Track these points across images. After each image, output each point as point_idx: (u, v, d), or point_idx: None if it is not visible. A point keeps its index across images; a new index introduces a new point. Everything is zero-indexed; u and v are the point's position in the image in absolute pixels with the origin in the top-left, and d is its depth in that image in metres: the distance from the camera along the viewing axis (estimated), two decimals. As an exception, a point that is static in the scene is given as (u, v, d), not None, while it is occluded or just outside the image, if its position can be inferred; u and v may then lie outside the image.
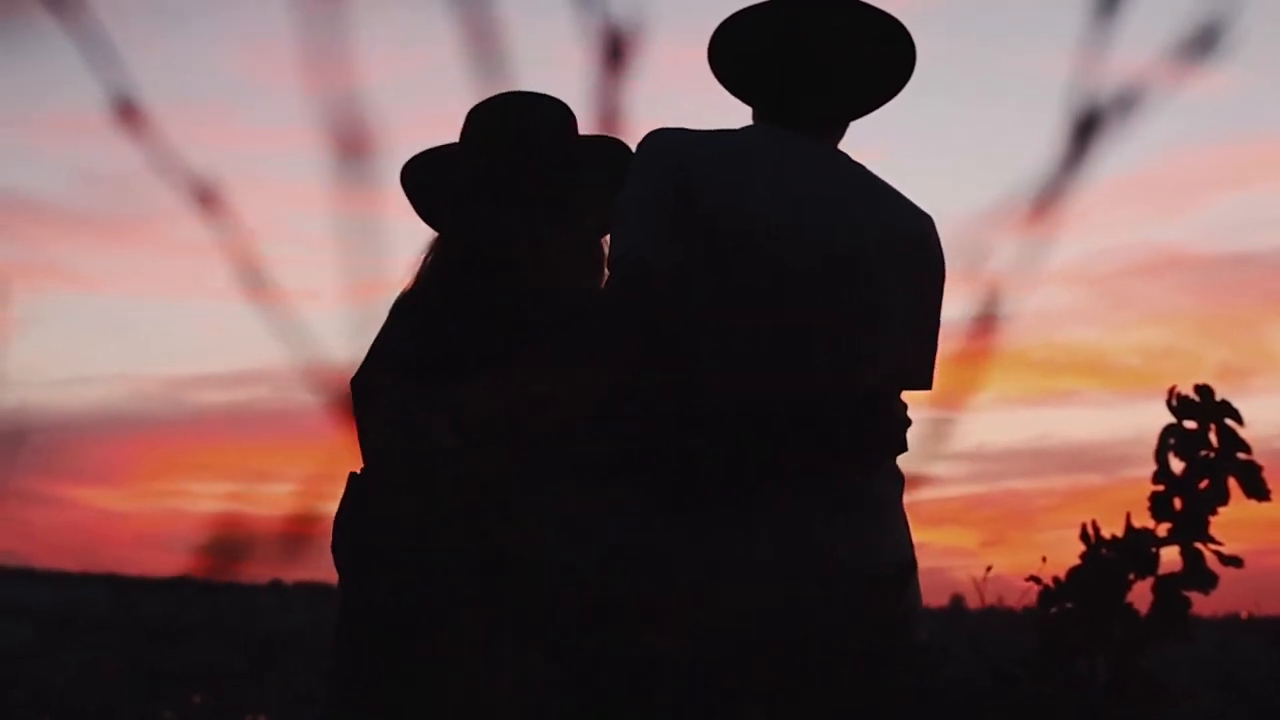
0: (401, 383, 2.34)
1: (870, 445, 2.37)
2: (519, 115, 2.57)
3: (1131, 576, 1.45)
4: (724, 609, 2.08)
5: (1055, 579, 1.48)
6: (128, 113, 0.88)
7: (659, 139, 2.37)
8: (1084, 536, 1.45)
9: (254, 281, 0.95)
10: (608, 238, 2.57)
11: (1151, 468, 1.45)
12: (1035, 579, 1.68)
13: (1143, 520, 1.45)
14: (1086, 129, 0.97)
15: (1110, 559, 1.43)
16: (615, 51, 0.90)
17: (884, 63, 2.56)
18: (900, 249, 2.45)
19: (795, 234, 2.37)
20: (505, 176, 2.54)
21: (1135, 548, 1.43)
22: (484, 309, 2.46)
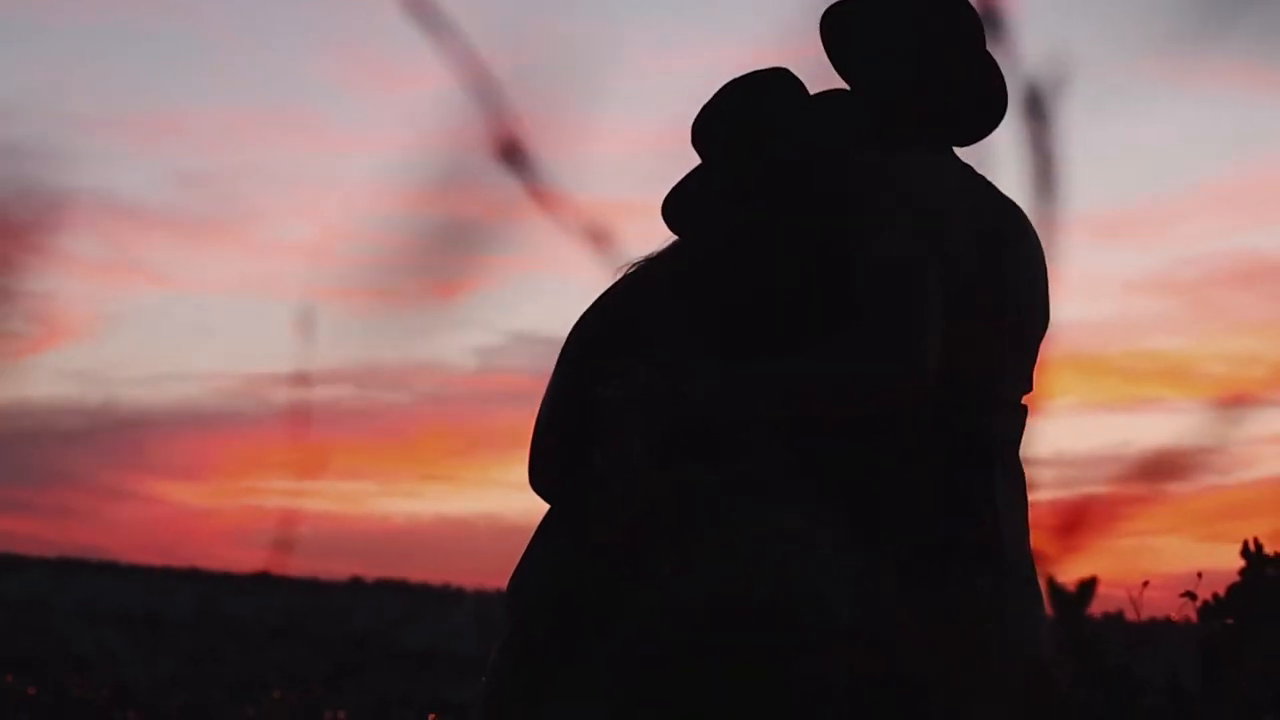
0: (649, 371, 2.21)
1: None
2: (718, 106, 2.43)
3: (1293, 593, 1.45)
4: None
5: (1215, 595, 1.49)
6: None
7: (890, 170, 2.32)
8: (1245, 553, 1.45)
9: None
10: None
11: (1235, 476, 1.45)
12: (1190, 594, 1.68)
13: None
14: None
15: (1273, 576, 1.43)
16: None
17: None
18: (1041, 261, 2.45)
19: (982, 257, 2.32)
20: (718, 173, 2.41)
21: (1297, 564, 1.43)
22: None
